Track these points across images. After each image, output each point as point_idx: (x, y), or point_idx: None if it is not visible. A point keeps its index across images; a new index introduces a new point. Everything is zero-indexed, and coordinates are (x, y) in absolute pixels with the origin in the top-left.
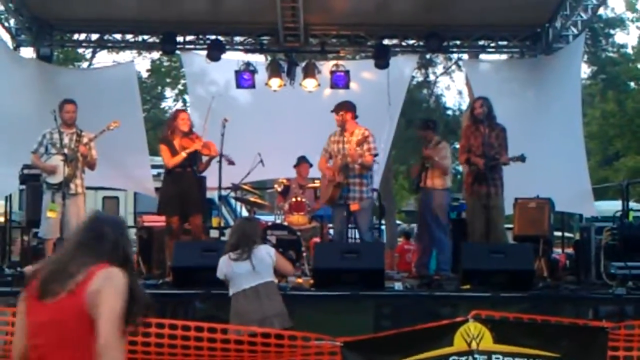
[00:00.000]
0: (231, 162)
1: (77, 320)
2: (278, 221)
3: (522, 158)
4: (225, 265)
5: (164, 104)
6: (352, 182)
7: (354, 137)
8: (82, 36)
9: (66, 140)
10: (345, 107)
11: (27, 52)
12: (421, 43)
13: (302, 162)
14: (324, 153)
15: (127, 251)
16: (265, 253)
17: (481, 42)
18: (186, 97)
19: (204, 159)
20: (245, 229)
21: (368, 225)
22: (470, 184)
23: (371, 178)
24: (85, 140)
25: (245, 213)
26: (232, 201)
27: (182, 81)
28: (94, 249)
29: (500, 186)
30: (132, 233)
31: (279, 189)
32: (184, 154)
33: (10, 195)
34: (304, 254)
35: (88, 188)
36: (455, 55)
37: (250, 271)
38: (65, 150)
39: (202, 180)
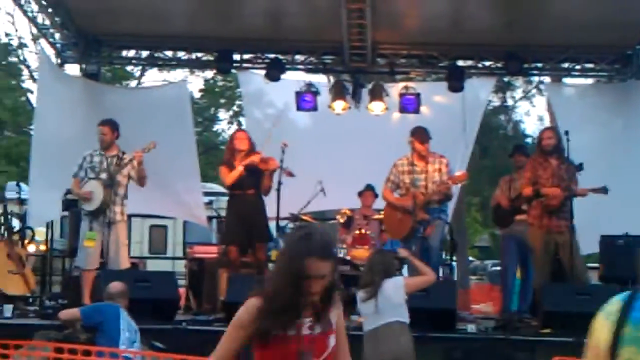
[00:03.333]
0: (291, 174)
1: None
2: (340, 255)
3: (604, 190)
4: (358, 307)
5: (217, 127)
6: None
7: (430, 166)
8: (132, 53)
9: (105, 164)
10: (429, 135)
11: (73, 69)
12: (499, 65)
13: (367, 190)
14: (389, 184)
15: None
16: (393, 287)
17: (565, 65)
18: (241, 119)
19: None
20: (373, 264)
21: (439, 242)
22: (539, 217)
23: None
24: (126, 161)
25: None
26: None
27: (238, 102)
28: None
29: (571, 220)
30: (182, 265)
31: (342, 220)
32: (240, 168)
33: (52, 222)
34: None
35: (134, 215)
36: (536, 79)
37: (373, 312)
38: (104, 175)
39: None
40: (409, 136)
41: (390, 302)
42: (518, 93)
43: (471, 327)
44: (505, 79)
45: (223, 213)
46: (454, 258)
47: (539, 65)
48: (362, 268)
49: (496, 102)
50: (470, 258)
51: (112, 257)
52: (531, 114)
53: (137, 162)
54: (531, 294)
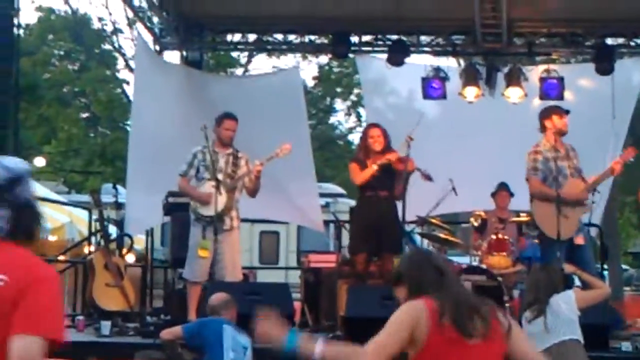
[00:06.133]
0: (428, 178)
1: None
2: (474, 263)
3: None
4: (524, 329)
5: (333, 119)
6: None
7: (571, 152)
8: (237, 37)
9: (222, 163)
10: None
11: (173, 57)
12: None
13: (501, 190)
14: (538, 174)
15: None
16: (563, 301)
17: None
18: (360, 110)
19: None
20: (538, 281)
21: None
22: None
23: None
24: (243, 162)
25: None
26: (417, 238)
27: (356, 91)
28: None
29: None
30: (296, 276)
31: (476, 224)
32: (374, 166)
33: (152, 229)
34: (507, 305)
35: (242, 220)
36: None
37: (542, 330)
38: (220, 176)
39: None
40: (540, 118)
41: (561, 318)
42: None
43: (626, 345)
44: None
45: (341, 217)
46: (605, 266)
47: None
48: (526, 286)
49: None
50: (624, 266)
51: (229, 268)
52: None
53: (255, 175)
54: None
